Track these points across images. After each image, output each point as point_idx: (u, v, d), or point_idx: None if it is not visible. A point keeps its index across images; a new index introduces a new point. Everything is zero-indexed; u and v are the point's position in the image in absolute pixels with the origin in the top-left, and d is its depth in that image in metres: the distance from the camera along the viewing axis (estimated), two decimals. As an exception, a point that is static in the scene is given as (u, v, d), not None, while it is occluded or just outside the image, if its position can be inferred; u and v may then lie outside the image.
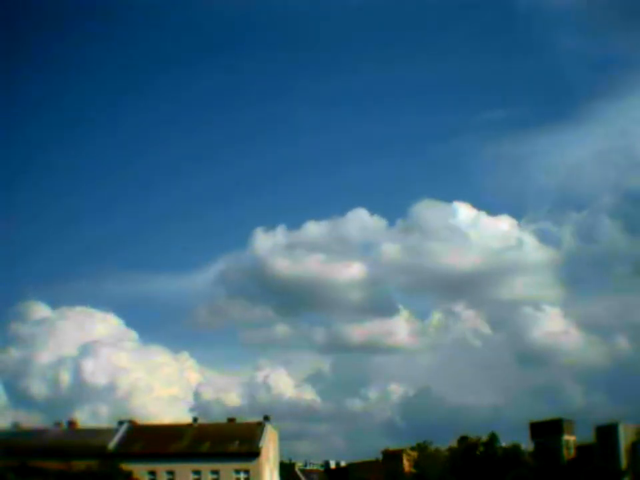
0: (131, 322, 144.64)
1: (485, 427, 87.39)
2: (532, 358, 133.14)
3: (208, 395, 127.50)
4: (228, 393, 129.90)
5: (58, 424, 75.54)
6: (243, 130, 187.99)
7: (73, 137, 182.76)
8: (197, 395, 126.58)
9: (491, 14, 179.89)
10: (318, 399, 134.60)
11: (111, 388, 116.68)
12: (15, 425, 74.64)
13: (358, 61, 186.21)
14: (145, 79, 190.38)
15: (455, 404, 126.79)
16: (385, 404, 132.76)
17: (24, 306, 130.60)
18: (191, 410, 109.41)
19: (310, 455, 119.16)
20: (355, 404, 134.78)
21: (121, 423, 74.33)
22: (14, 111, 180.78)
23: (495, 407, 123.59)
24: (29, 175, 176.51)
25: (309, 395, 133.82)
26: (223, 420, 77.60)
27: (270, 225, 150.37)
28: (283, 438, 75.42)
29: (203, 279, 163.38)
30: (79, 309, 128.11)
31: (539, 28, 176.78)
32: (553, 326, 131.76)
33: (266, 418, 74.53)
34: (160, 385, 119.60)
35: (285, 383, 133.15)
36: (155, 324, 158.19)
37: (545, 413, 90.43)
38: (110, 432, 72.01)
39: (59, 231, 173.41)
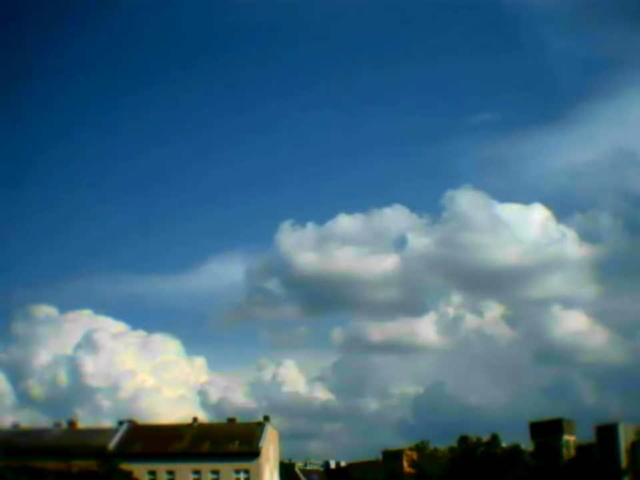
0: (141, 323, 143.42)
1: (499, 426, 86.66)
2: (555, 357, 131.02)
3: (222, 394, 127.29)
4: (242, 393, 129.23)
5: (58, 424, 75.60)
6: (241, 132, 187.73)
7: (71, 137, 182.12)
8: (213, 395, 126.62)
9: (480, 15, 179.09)
10: (334, 399, 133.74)
11: (119, 388, 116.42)
12: (15, 425, 74.70)
13: (352, 63, 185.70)
14: (149, 77, 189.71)
15: (470, 403, 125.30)
16: (399, 403, 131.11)
17: (30, 308, 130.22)
18: (207, 410, 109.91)
19: (320, 454, 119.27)
20: (370, 403, 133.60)
21: (120, 423, 74.39)
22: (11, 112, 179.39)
23: (511, 406, 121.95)
24: (29, 176, 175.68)
25: (326, 395, 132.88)
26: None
27: (295, 221, 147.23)
28: (295, 437, 75.19)
29: (221, 278, 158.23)
30: (85, 312, 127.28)
31: (529, 29, 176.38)
32: (580, 324, 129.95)
33: (266, 418, 74.62)
34: (169, 385, 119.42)
35: (298, 382, 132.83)
36: (166, 324, 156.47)
37: (561, 412, 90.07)
38: (110, 432, 72.07)
39: (62, 231, 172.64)
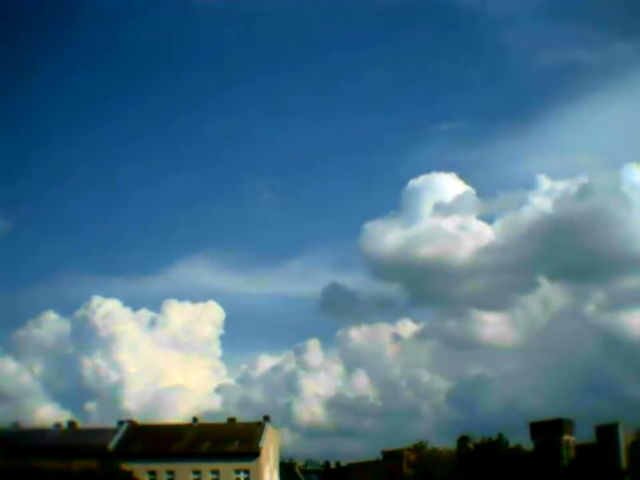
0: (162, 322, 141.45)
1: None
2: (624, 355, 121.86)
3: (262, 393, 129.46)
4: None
5: (58, 424, 75.70)
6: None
7: (64, 139, 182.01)
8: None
9: (439, 19, 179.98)
10: (377, 395, 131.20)
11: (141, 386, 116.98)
12: (15, 425, 74.71)
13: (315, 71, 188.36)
14: (146, 77, 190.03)
15: (514, 399, 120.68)
16: (443, 400, 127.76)
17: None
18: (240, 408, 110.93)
19: (359, 451, 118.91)
20: (414, 401, 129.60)
21: (121, 423, 74.44)
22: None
23: (559, 403, 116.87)
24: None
25: (368, 391, 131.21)
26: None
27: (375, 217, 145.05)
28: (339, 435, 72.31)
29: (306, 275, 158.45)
30: (111, 302, 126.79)
31: (488, 32, 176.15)
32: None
33: (266, 418, 74.65)
34: (198, 383, 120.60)
35: (336, 379, 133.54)
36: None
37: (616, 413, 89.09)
38: (110, 432, 72.09)
39: (69, 228, 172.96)
